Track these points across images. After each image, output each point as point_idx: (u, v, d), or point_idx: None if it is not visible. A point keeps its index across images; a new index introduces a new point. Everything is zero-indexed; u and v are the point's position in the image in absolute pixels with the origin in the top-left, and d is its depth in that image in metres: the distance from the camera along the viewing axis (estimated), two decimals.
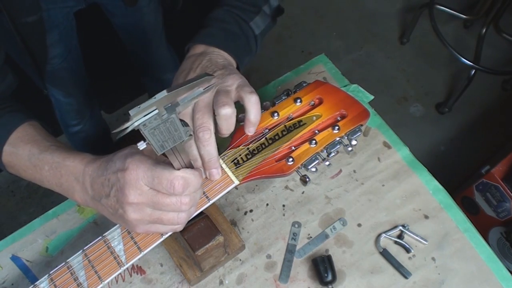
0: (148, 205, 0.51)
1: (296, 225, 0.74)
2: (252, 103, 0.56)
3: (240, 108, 0.57)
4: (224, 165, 0.61)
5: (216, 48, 0.63)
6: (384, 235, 0.73)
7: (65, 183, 0.57)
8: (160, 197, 0.51)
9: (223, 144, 0.61)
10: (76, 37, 1.06)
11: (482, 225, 1.38)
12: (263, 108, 0.63)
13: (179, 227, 0.55)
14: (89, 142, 1.41)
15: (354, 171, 0.79)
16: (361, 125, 0.65)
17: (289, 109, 0.64)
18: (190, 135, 0.46)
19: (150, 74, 1.36)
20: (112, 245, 0.57)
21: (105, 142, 1.54)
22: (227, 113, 0.54)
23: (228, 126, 0.56)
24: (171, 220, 0.53)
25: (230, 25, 0.66)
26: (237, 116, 0.57)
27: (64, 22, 0.96)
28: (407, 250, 0.72)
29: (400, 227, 0.73)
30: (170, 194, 0.51)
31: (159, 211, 0.52)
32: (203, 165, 0.58)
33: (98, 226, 0.74)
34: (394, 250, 0.72)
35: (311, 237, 0.73)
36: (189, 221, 0.60)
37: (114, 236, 0.58)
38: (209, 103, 0.56)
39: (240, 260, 0.71)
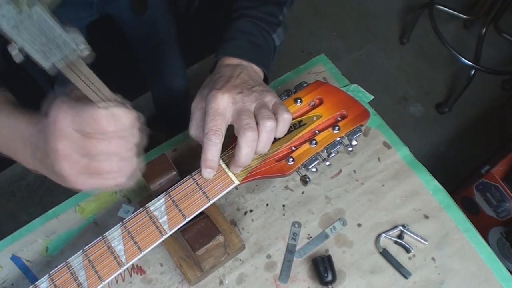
0: (77, 151, 0.47)
1: (296, 225, 0.74)
2: (285, 120, 0.58)
3: None
4: (224, 165, 0.61)
5: (250, 62, 0.65)
6: (384, 235, 0.73)
7: (10, 143, 0.53)
8: (89, 140, 0.46)
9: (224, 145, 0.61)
10: None
11: (482, 225, 1.38)
12: None
13: (122, 180, 0.51)
14: None
15: (354, 171, 0.79)
16: (362, 125, 0.65)
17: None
18: (88, 52, 0.40)
19: (158, 80, 1.36)
20: (112, 245, 0.57)
21: None
22: (272, 125, 0.56)
23: (268, 139, 0.57)
24: (109, 170, 0.49)
25: (256, 38, 0.67)
26: None
27: None
28: (407, 250, 0.72)
29: (400, 227, 0.73)
30: (100, 135, 0.46)
31: (93, 157, 0.47)
32: (202, 163, 0.58)
33: (98, 226, 0.74)
34: (394, 250, 0.72)
35: (311, 237, 0.73)
36: (189, 221, 0.60)
37: (114, 236, 0.58)
38: (224, 110, 0.56)
39: (240, 260, 0.71)
